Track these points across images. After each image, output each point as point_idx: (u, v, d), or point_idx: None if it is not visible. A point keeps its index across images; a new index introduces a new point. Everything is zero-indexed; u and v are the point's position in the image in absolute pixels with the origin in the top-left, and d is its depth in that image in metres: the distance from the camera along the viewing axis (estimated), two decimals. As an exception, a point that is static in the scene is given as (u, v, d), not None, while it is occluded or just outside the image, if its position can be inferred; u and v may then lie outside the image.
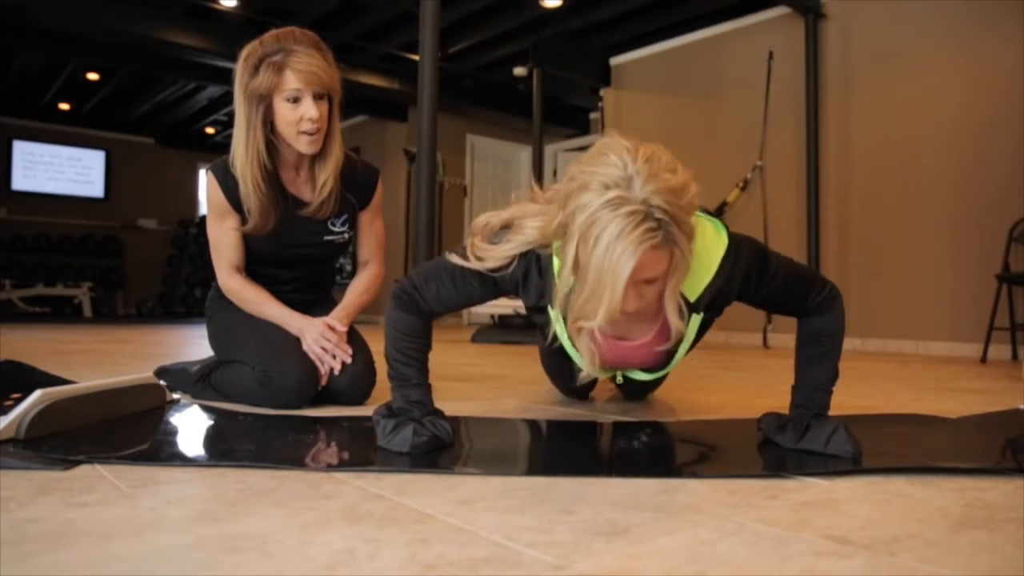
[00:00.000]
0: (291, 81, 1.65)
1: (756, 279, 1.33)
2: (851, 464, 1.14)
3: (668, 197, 1.06)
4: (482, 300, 1.42)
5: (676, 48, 6.00)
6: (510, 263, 1.30)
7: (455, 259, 1.34)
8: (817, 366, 1.36)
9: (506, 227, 1.33)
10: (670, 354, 1.45)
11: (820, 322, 1.37)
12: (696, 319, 1.35)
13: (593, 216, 1.06)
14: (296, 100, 1.66)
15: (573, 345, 1.37)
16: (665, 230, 1.07)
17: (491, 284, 1.35)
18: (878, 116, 4.83)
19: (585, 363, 1.30)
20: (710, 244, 1.29)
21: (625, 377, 1.61)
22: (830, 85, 5.08)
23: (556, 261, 1.23)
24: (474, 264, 1.30)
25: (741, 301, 1.39)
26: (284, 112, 1.67)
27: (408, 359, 1.37)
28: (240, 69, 1.70)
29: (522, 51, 6.44)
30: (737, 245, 1.31)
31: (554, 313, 1.33)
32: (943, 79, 4.53)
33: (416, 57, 3.17)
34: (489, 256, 1.29)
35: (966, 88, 4.42)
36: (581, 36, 6.35)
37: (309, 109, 1.66)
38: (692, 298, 1.30)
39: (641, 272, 1.09)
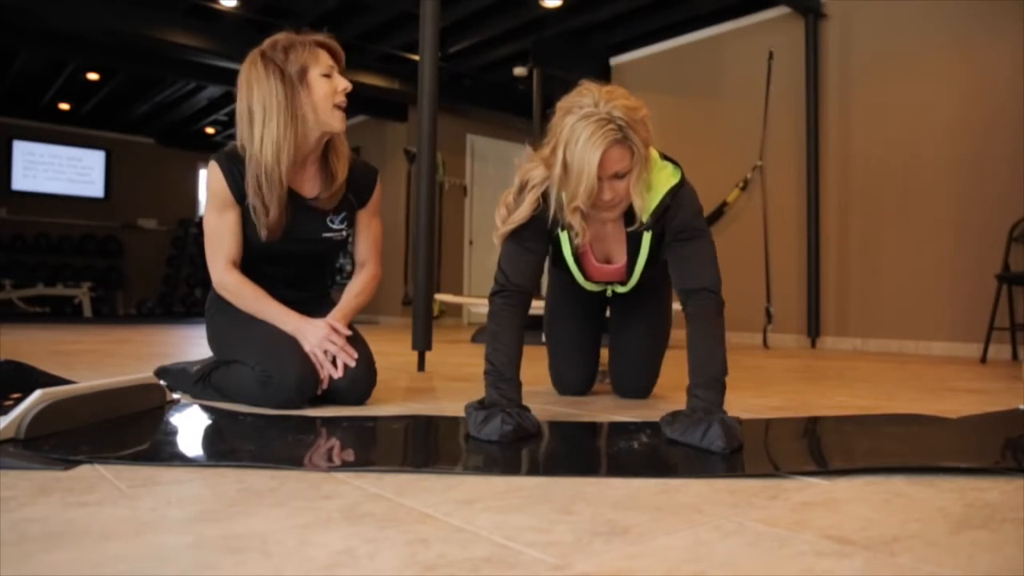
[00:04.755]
0: (326, 57, 1.77)
1: (685, 216, 1.64)
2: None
3: (625, 111, 1.48)
4: (541, 245, 1.70)
5: (676, 48, 6.00)
6: (538, 203, 1.62)
7: (505, 233, 1.64)
8: (705, 364, 1.49)
9: (521, 188, 1.64)
10: (631, 267, 1.81)
11: (706, 322, 1.55)
12: (648, 236, 1.71)
13: (573, 127, 1.49)
14: (328, 76, 1.76)
15: (576, 261, 1.82)
16: (623, 132, 1.48)
17: (538, 227, 1.65)
18: (878, 116, 4.83)
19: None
20: (664, 179, 1.65)
21: (614, 292, 1.99)
22: (830, 85, 5.08)
23: (556, 191, 1.58)
24: (517, 220, 1.62)
25: (666, 239, 1.67)
26: (319, 87, 1.75)
27: (504, 357, 1.53)
28: (260, 64, 1.73)
29: (522, 51, 6.44)
30: (687, 183, 1.67)
31: (563, 235, 1.72)
32: (943, 79, 4.53)
33: (416, 57, 3.16)
34: (521, 210, 1.62)
35: (966, 88, 4.43)
36: (581, 36, 6.34)
37: (342, 80, 1.77)
38: (645, 219, 1.66)
39: (610, 163, 1.50)
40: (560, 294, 2.11)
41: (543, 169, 1.59)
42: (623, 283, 1.90)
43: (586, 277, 1.89)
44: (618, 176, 1.53)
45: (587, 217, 1.66)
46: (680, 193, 1.65)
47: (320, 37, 1.77)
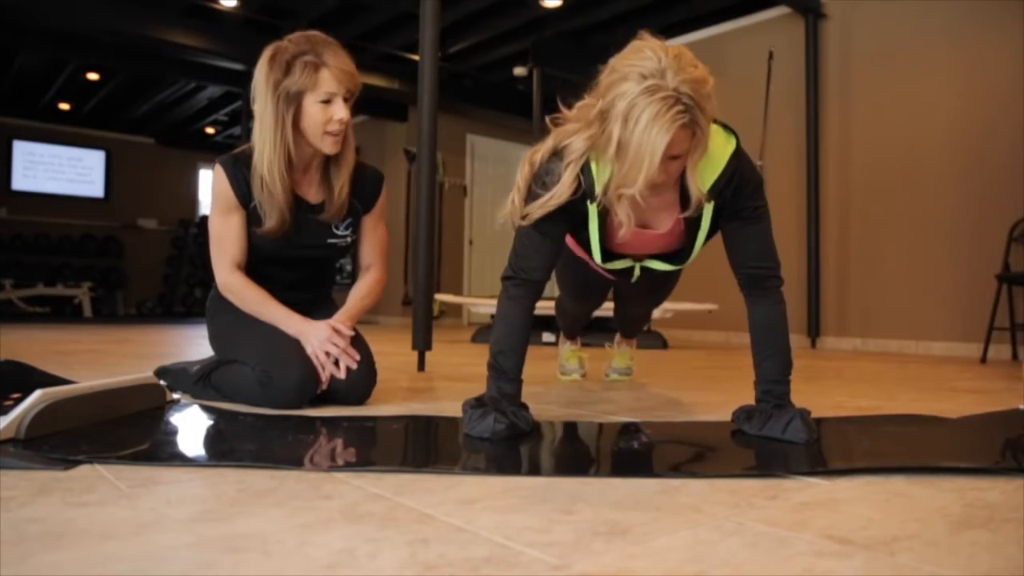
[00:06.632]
0: (327, 83, 1.68)
1: (747, 192, 1.49)
2: (806, 448, 1.28)
3: (694, 86, 1.26)
4: (563, 227, 1.53)
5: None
6: (578, 184, 1.42)
7: (529, 215, 1.44)
8: (772, 360, 1.49)
9: (556, 154, 1.44)
10: (690, 243, 1.60)
11: (769, 313, 1.52)
12: (709, 206, 1.50)
13: (633, 101, 1.25)
14: (328, 102, 1.68)
15: (600, 235, 1.55)
16: (691, 113, 1.26)
17: (564, 208, 1.44)
18: (878, 116, 4.83)
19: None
20: (720, 147, 1.47)
21: (643, 268, 1.74)
22: (830, 85, 5.08)
23: (594, 165, 1.41)
24: (552, 205, 1.41)
25: (724, 216, 1.52)
26: (313, 113, 1.69)
27: (509, 356, 1.47)
28: (265, 67, 1.70)
29: (522, 51, 6.44)
30: (743, 150, 1.51)
31: (592, 207, 1.48)
32: (943, 79, 4.53)
33: (416, 57, 3.16)
34: (559, 192, 1.41)
35: (966, 88, 4.42)
36: (581, 36, 6.34)
37: (340, 111, 1.69)
38: (705, 189, 1.46)
39: (671, 148, 1.27)
40: (570, 270, 2.00)
41: (584, 139, 1.39)
42: (675, 261, 1.69)
43: (612, 249, 1.64)
44: (674, 157, 1.33)
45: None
46: (740, 164, 1.48)
47: (328, 57, 1.68)
